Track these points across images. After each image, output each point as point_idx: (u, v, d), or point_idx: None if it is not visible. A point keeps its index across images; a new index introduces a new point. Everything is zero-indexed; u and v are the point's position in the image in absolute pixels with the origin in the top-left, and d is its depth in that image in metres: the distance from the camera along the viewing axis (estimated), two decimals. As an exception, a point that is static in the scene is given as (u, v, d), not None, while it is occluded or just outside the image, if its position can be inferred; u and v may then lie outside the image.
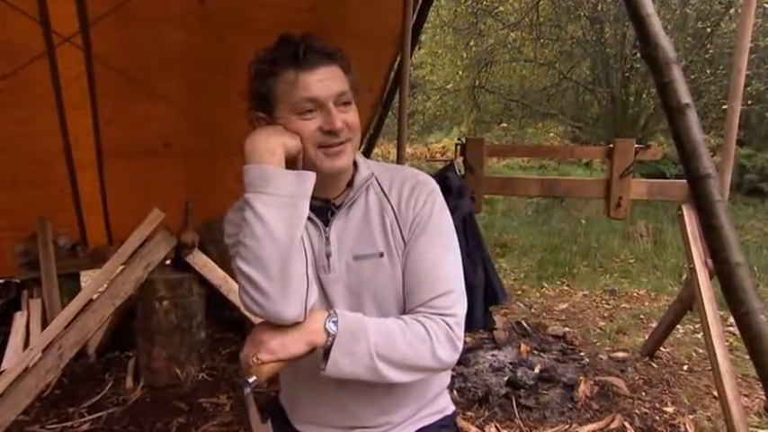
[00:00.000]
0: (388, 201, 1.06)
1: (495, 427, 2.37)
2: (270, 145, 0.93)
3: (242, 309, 0.98)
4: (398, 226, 1.04)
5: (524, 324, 3.50)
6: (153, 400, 2.59)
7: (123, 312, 2.94)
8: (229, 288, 2.79)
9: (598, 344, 3.32)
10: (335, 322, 0.94)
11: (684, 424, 2.38)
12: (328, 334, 0.93)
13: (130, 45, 2.78)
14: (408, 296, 1.02)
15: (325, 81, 0.96)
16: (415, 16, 3.38)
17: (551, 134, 12.09)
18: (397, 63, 3.52)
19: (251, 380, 0.90)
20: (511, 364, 2.97)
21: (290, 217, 0.91)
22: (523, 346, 3.16)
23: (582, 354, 3.14)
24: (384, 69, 3.64)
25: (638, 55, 8.43)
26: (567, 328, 3.53)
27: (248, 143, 0.95)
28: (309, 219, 1.04)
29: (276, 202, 0.91)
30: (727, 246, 1.84)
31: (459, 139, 2.93)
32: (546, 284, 4.56)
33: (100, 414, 2.44)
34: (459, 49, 9.30)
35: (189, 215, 2.81)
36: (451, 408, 1.19)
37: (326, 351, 0.93)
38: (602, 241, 5.81)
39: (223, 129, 2.95)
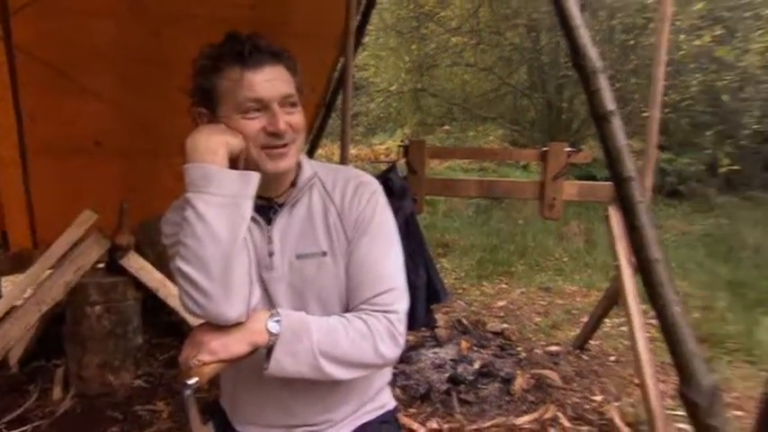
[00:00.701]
0: (332, 201, 1.07)
1: (437, 422, 2.43)
2: (212, 144, 0.92)
3: (181, 311, 0.96)
4: (342, 225, 1.05)
5: (465, 321, 3.60)
6: (84, 410, 2.46)
7: (50, 319, 2.78)
8: (168, 292, 2.70)
9: (534, 339, 3.48)
10: (278, 321, 0.94)
11: (610, 411, 2.54)
12: (270, 333, 0.92)
13: (56, 36, 2.65)
14: (351, 294, 1.04)
15: (271, 81, 0.95)
16: (358, 18, 3.41)
17: (491, 137, 12.47)
18: (340, 64, 3.53)
19: (191, 382, 0.88)
20: (452, 360, 3.05)
21: (233, 217, 0.90)
22: (464, 343, 3.26)
23: (519, 349, 3.27)
24: (327, 70, 3.64)
25: (570, 63, 8.90)
26: (505, 325, 3.68)
27: (190, 141, 0.93)
28: (252, 218, 1.02)
29: (218, 202, 0.90)
30: (646, 243, 1.99)
31: (402, 141, 2.98)
32: (485, 283, 4.71)
33: (24, 428, 2.30)
34: (401, 53, 9.43)
35: (123, 216, 2.70)
36: (393, 403, 1.22)
37: (269, 350, 0.93)
38: (538, 241, 6.07)
39: (161, 126, 2.86)
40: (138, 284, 2.71)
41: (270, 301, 1.03)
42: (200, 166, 0.91)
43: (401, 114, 11.92)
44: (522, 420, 2.48)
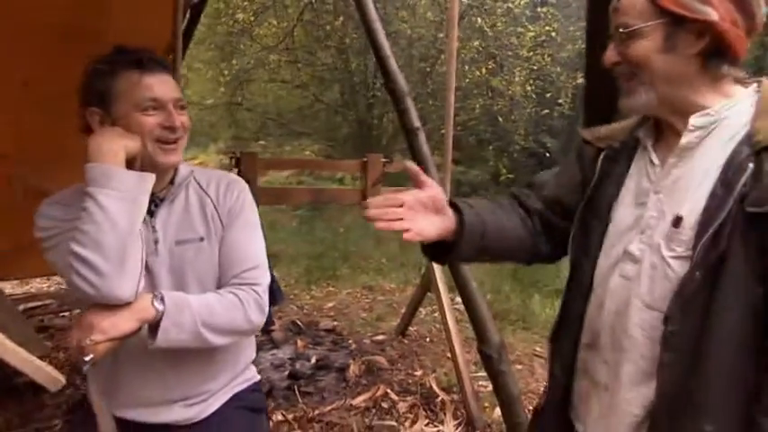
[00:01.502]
0: (208, 195, 1.24)
1: (282, 414, 2.59)
2: (113, 146, 1.02)
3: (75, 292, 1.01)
4: (218, 214, 1.22)
5: (299, 323, 3.81)
6: None
7: None
8: None
9: (362, 331, 3.83)
10: (161, 299, 1.06)
11: (429, 381, 2.99)
12: (157, 310, 1.04)
13: None
14: (223, 271, 1.20)
15: (166, 84, 1.11)
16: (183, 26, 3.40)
17: (307, 152, 12.90)
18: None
19: (87, 358, 0.95)
20: (290, 359, 3.24)
21: (131, 208, 1.01)
22: (300, 342, 3.46)
23: (350, 341, 3.60)
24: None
25: (379, 84, 9.78)
26: (335, 322, 3.97)
27: (93, 143, 1.02)
28: None
29: (118, 196, 1.00)
30: (449, 234, 2.46)
31: (233, 152, 3.07)
32: (314, 287, 4.97)
33: None
34: (218, 66, 9.26)
35: None
36: (257, 377, 1.41)
37: (155, 326, 1.05)
38: (358, 246, 6.55)
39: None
40: None
41: (153, 284, 1.14)
42: (102, 165, 1.00)
43: (214, 128, 11.60)
44: (358, 400, 2.78)
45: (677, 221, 0.83)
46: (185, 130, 1.16)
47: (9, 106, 3.01)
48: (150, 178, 1.07)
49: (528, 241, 1.08)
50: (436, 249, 1.04)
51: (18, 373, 2.62)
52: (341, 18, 8.47)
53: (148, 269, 1.14)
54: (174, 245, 1.17)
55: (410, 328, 3.82)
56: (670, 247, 0.84)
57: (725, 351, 0.79)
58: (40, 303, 3.97)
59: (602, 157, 1.00)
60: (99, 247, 0.98)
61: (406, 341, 3.67)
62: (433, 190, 0.96)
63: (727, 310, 0.78)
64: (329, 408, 2.69)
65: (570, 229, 1.03)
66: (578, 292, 0.99)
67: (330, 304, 4.47)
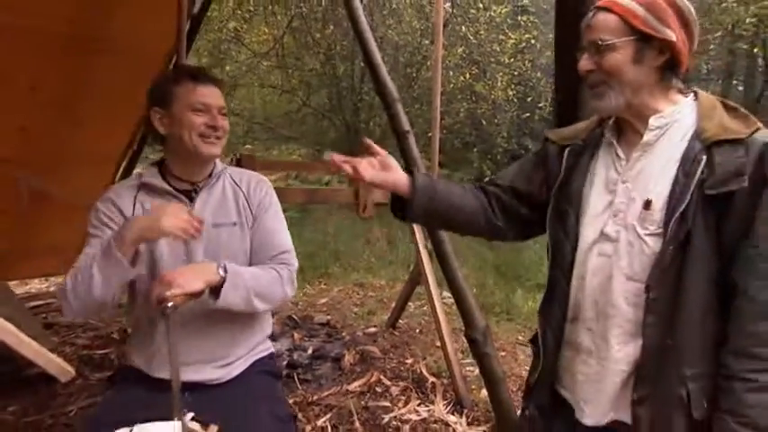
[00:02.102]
0: (240, 188, 1.47)
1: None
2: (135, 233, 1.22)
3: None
4: (248, 205, 1.46)
5: (294, 317, 3.99)
6: None
7: None
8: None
9: (355, 324, 4.02)
10: (224, 268, 1.28)
11: (419, 367, 3.19)
12: (220, 276, 1.26)
13: None
14: (259, 254, 1.43)
15: (214, 94, 1.37)
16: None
17: (294, 156, 13.07)
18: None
19: (170, 304, 1.15)
20: (287, 350, 3.41)
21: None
22: (296, 335, 3.64)
23: (344, 334, 3.78)
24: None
25: (366, 89, 10.00)
26: (329, 317, 4.16)
27: (159, 214, 1.22)
28: (176, 198, 1.39)
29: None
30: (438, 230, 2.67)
31: (234, 154, 3.24)
32: (307, 285, 5.15)
33: None
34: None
35: None
36: (273, 349, 1.61)
37: (217, 289, 1.26)
38: (348, 246, 6.75)
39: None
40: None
41: (190, 260, 1.36)
42: (128, 235, 1.21)
43: (201, 133, 11.65)
44: (354, 386, 2.96)
45: (647, 204, 1.00)
46: (225, 131, 1.41)
47: (16, 110, 3.14)
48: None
49: (481, 215, 1.24)
50: (395, 206, 1.25)
51: (30, 365, 2.78)
52: (331, 27, 8.69)
53: (186, 248, 1.35)
54: (211, 227, 1.38)
55: (400, 321, 4.01)
56: (644, 227, 1.01)
57: (696, 310, 0.97)
58: (42, 302, 4.10)
59: (567, 152, 1.18)
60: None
61: (396, 333, 3.87)
62: (382, 155, 1.19)
63: (695, 277, 0.96)
64: (327, 393, 2.87)
65: (527, 214, 1.24)
66: (561, 269, 1.15)
67: (323, 300, 4.65)
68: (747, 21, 8.76)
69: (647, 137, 1.05)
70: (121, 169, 4.00)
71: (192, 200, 1.40)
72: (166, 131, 1.37)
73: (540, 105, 9.83)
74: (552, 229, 1.18)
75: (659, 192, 1.00)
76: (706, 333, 0.98)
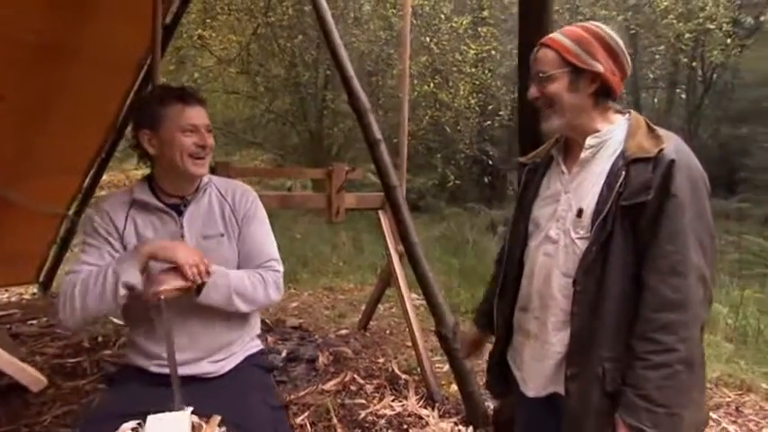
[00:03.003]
0: (226, 200, 1.55)
1: (261, 399, 2.85)
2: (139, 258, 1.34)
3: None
4: (234, 216, 1.53)
5: (267, 321, 4.05)
6: None
7: None
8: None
9: (326, 327, 4.12)
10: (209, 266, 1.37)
11: (391, 366, 3.32)
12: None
13: None
14: (246, 262, 1.51)
15: (201, 114, 1.44)
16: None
17: (257, 161, 13.02)
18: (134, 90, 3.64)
19: (162, 297, 1.28)
20: (262, 353, 3.48)
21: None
22: (270, 338, 3.71)
23: (316, 336, 3.88)
24: (121, 96, 3.70)
25: (331, 96, 10.11)
26: (301, 320, 4.24)
27: (179, 248, 1.35)
28: (165, 212, 1.47)
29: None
30: (409, 232, 2.83)
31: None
32: (277, 291, 5.20)
33: None
34: (180, 81, 9.29)
35: None
36: (262, 345, 1.71)
37: (200, 287, 1.36)
38: (316, 251, 6.82)
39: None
40: None
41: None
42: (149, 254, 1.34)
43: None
44: (329, 385, 3.07)
45: (580, 212, 1.19)
46: (211, 148, 1.48)
47: (-15, 119, 3.11)
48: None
49: None
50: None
51: (1, 375, 2.76)
52: (299, 36, 8.77)
53: None
54: (201, 239, 1.47)
55: (371, 322, 4.14)
56: (576, 231, 1.19)
57: (614, 301, 1.13)
58: (4, 313, 4.01)
59: (525, 170, 1.39)
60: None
61: (368, 334, 3.99)
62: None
63: (614, 273, 1.12)
64: (303, 393, 2.97)
65: None
66: (510, 268, 1.37)
67: (294, 304, 4.73)
68: (687, 36, 9.39)
69: (584, 154, 1.23)
70: (89, 178, 3.97)
71: (180, 214, 1.48)
72: (156, 152, 1.44)
73: (501, 113, 10.20)
74: (509, 236, 1.40)
75: (589, 202, 1.18)
76: (621, 321, 1.13)
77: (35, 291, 4.68)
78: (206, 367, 1.48)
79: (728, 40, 10.09)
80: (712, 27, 9.56)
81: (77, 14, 3.03)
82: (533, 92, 1.25)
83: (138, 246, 1.35)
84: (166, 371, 1.38)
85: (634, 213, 1.11)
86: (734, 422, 2.86)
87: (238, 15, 8.40)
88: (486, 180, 11.49)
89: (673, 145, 1.13)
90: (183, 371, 1.43)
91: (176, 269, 1.32)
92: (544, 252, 1.26)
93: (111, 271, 1.29)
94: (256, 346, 1.65)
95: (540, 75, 1.22)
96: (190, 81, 8.71)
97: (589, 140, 1.22)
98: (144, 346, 1.47)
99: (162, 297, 1.28)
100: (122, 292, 1.30)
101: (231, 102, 10.87)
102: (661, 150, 1.11)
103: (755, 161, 10.11)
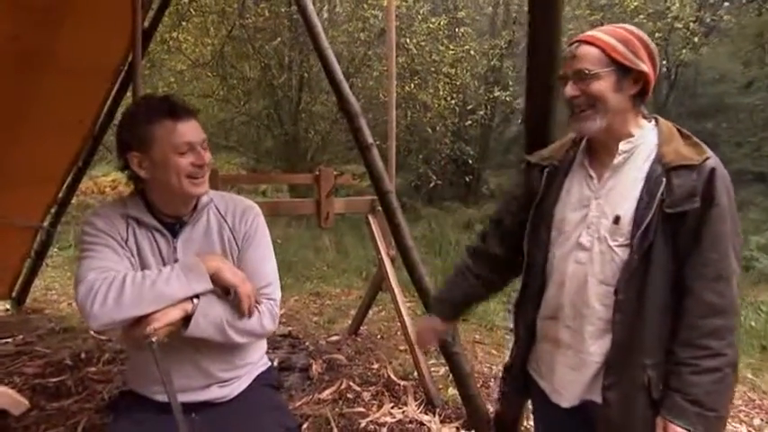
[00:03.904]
0: (225, 221, 1.43)
1: (257, 412, 2.77)
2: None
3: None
4: (234, 238, 1.42)
5: (256, 331, 3.96)
6: None
7: None
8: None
9: (316, 334, 4.06)
10: (197, 297, 1.28)
11: (387, 371, 3.29)
12: (193, 304, 1.27)
13: None
14: None
15: (195, 129, 1.30)
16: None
17: (231, 164, 12.80)
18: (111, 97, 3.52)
19: (154, 339, 1.18)
20: (254, 364, 3.40)
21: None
22: (260, 348, 3.63)
23: (307, 344, 3.81)
24: (98, 103, 3.56)
25: (308, 99, 10.02)
26: (290, 328, 4.17)
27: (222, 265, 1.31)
28: (159, 231, 1.36)
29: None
30: (404, 235, 2.80)
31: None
32: (262, 298, 5.10)
33: None
34: (155, 86, 9.05)
35: None
36: (269, 362, 1.64)
37: (189, 318, 1.27)
38: (299, 256, 6.73)
39: None
40: None
41: None
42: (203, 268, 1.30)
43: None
44: (325, 394, 3.01)
45: (617, 219, 1.15)
46: (209, 165, 1.35)
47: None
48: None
49: (497, 281, 1.51)
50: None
51: (-21, 399, 2.62)
52: (278, 39, 8.64)
53: None
54: None
55: (361, 327, 4.09)
56: (614, 239, 1.16)
57: (656, 309, 1.12)
58: (-24, 331, 3.82)
59: (546, 173, 1.32)
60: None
61: (359, 339, 3.94)
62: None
63: (656, 281, 1.11)
64: (300, 402, 2.91)
65: (518, 242, 1.37)
66: (534, 275, 1.31)
67: (281, 312, 4.61)
68: (656, 35, 9.65)
69: (617, 160, 1.20)
70: (65, 187, 3.82)
71: (175, 235, 1.37)
72: (148, 175, 1.30)
73: (479, 113, 10.27)
74: (528, 241, 1.34)
75: (626, 208, 1.15)
76: (662, 329, 1.13)
77: (8, 307, 4.49)
78: (216, 392, 1.42)
79: (696, 39, 10.39)
80: (680, 26, 9.83)
81: (53, 22, 2.90)
82: (571, 90, 1.18)
83: (202, 256, 1.29)
84: (181, 399, 1.32)
85: (677, 221, 1.10)
86: (726, 414, 2.92)
87: (212, 18, 8.23)
88: (466, 180, 11.54)
89: (712, 153, 1.13)
90: (192, 398, 1.37)
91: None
92: (575, 260, 1.22)
93: (174, 275, 1.24)
94: (264, 364, 1.58)
95: (585, 72, 1.15)
96: (165, 86, 8.51)
97: (623, 146, 1.19)
98: (147, 373, 1.38)
99: (154, 340, 1.18)
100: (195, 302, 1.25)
101: (205, 105, 10.66)
102: (706, 159, 1.11)
103: (719, 155, 10.39)
